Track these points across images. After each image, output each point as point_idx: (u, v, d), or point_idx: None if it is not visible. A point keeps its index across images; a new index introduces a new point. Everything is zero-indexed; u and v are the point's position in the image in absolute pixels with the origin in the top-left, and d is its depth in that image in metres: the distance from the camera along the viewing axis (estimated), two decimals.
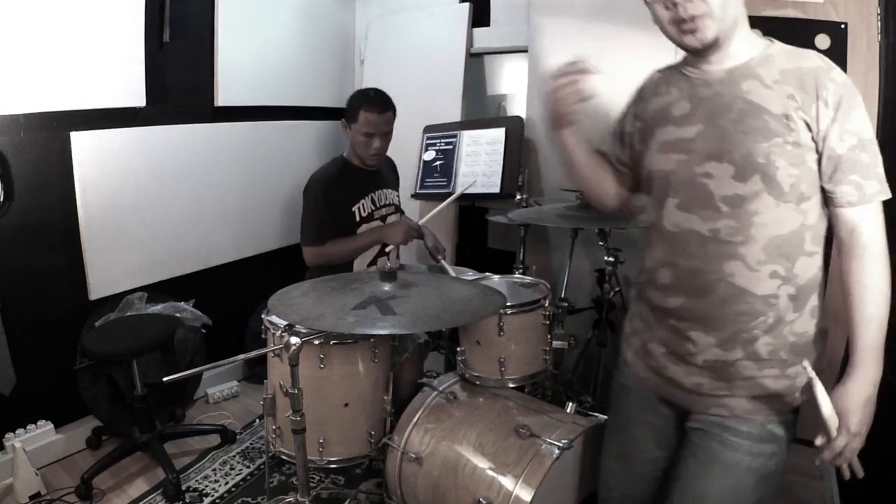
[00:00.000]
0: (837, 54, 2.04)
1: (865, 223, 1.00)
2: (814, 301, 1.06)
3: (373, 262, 2.18)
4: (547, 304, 1.69)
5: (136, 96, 2.23)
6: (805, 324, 1.06)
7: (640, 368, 1.21)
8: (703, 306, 1.07)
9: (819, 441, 0.98)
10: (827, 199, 1.03)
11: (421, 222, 2.18)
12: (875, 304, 0.99)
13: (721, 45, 1.02)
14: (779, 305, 1.04)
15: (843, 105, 0.96)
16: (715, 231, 1.04)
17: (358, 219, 2.15)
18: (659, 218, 1.12)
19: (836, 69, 0.99)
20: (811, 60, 1.00)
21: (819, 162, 1.00)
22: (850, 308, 1.00)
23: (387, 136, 2.15)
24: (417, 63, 2.92)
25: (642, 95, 1.21)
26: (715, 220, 1.03)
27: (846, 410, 0.96)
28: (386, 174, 2.33)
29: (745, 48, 1.03)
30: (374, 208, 2.20)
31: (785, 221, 1.01)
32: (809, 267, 1.04)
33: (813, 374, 0.98)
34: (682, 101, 1.09)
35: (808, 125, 0.97)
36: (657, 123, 1.12)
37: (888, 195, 1.01)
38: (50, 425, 2.14)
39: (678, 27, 1.00)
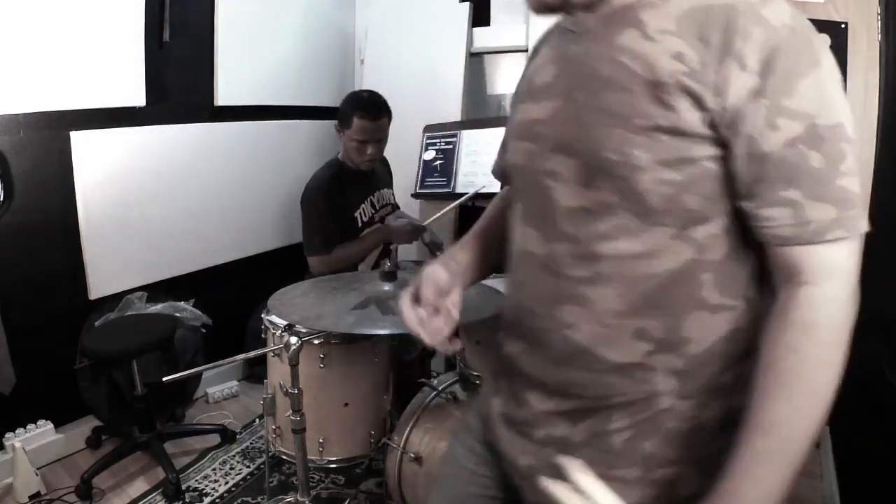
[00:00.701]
0: (837, 54, 2.04)
1: (813, 275, 0.59)
2: (724, 378, 0.68)
3: (376, 265, 2.18)
4: None
5: (136, 96, 2.23)
6: (700, 408, 0.68)
7: (478, 434, 0.89)
8: (539, 362, 0.74)
9: None
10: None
11: (427, 222, 2.18)
12: (792, 410, 0.59)
13: None
14: (651, 384, 0.67)
15: (779, 65, 0.57)
16: (553, 259, 0.70)
17: (360, 224, 2.15)
18: (510, 230, 0.80)
19: (776, 4, 0.59)
20: None
21: (727, 162, 0.61)
22: (751, 397, 0.62)
23: (380, 142, 2.11)
24: (417, 63, 2.92)
25: (527, 60, 0.88)
26: (554, 243, 0.70)
27: None
28: (380, 172, 2.32)
29: None
30: (374, 211, 2.20)
31: (660, 255, 0.65)
32: (714, 328, 0.67)
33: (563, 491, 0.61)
34: (548, 66, 0.75)
35: (698, 101, 0.59)
36: (518, 98, 0.81)
37: (860, 229, 0.60)
38: (50, 425, 2.14)
39: None
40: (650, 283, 0.65)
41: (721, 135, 0.60)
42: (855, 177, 0.59)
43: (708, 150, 0.61)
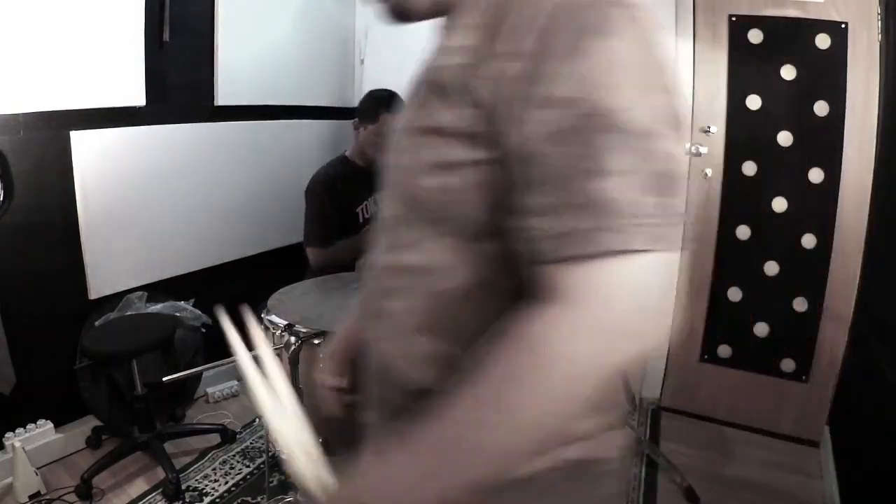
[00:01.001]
0: (837, 54, 2.04)
1: (558, 294, 0.47)
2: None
3: None
4: None
5: (136, 96, 2.23)
6: None
7: None
8: (370, 376, 0.70)
9: None
10: None
11: None
12: (473, 424, 0.49)
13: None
14: None
15: (552, 46, 0.47)
16: (377, 270, 0.68)
17: (361, 220, 2.16)
18: None
19: None
20: None
21: (503, 167, 0.52)
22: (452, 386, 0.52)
23: None
24: (417, 63, 2.92)
25: None
26: (383, 254, 0.67)
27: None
28: None
29: None
30: (376, 209, 2.21)
31: (448, 270, 0.57)
32: None
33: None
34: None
35: (473, 96, 0.52)
36: None
37: (621, 245, 0.46)
38: (50, 425, 2.14)
39: None
40: (442, 302, 0.58)
41: (495, 133, 0.51)
42: (625, 177, 0.46)
43: (485, 152, 0.53)
